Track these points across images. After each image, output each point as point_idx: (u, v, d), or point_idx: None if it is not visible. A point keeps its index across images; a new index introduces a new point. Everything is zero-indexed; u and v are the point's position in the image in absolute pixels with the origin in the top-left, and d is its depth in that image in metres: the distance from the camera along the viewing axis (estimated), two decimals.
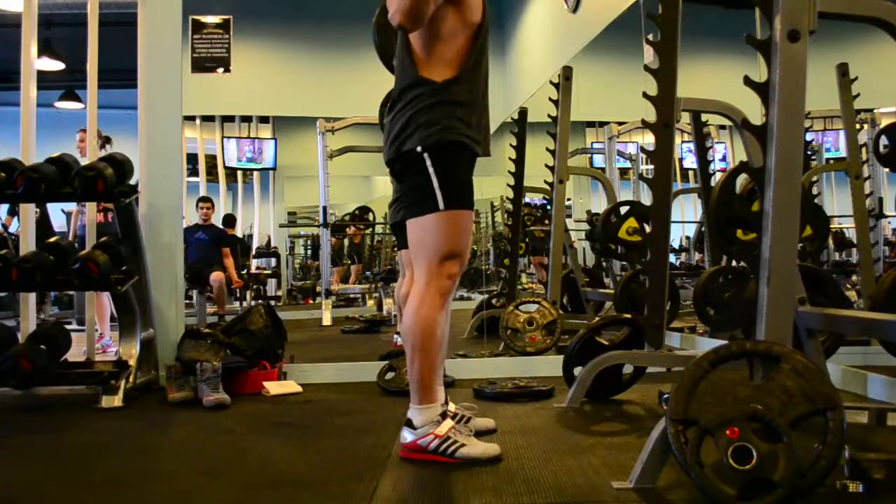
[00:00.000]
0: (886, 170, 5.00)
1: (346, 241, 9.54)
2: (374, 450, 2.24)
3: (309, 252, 11.97)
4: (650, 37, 2.81)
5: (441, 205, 2.05)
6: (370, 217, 9.12)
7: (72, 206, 6.09)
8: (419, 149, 2.06)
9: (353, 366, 3.66)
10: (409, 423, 2.11)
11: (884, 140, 2.80)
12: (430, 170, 2.05)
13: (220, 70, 5.96)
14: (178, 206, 3.76)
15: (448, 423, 2.08)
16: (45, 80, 4.97)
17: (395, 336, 4.49)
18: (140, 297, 3.34)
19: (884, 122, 5.01)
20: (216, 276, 6.03)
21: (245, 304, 7.55)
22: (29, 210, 3.78)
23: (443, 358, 2.17)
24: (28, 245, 3.67)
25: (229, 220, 8.05)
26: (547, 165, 4.50)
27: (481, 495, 1.81)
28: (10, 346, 3.18)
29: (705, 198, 4.38)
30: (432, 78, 2.08)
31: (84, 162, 3.42)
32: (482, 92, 2.18)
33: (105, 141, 4.70)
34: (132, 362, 3.22)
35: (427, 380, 2.08)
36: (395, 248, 9.85)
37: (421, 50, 2.10)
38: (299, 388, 3.28)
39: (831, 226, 4.88)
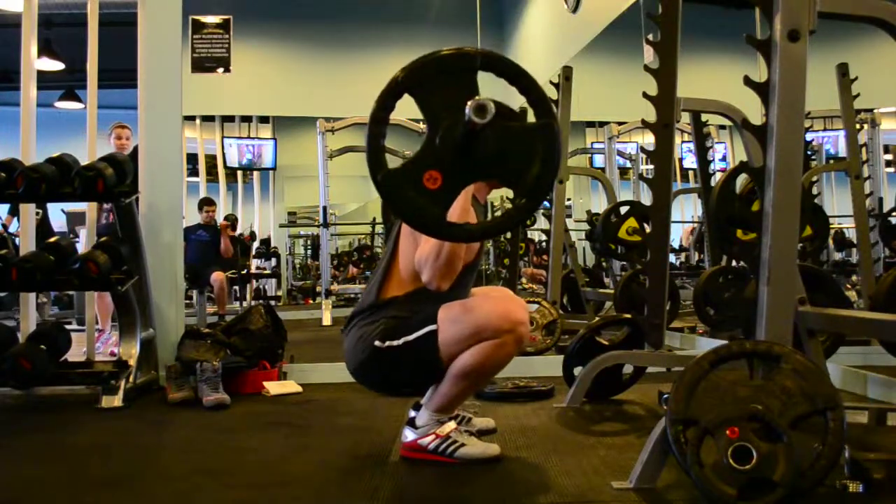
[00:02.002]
0: (888, 170, 5.01)
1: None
2: (375, 449, 2.24)
3: (309, 252, 11.98)
4: (650, 37, 2.81)
5: (432, 327, 1.96)
6: (367, 254, 9.16)
7: (72, 207, 6.09)
8: (377, 343, 2.00)
9: None
10: (412, 422, 2.11)
11: None
12: (399, 342, 1.98)
13: (220, 70, 5.97)
14: (178, 206, 3.76)
15: (451, 424, 2.08)
16: (45, 80, 4.97)
17: None
18: (140, 297, 3.34)
19: (884, 122, 5.02)
20: (216, 276, 6.03)
21: (245, 304, 7.56)
22: (29, 210, 3.78)
23: None
24: (28, 245, 3.67)
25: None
26: None
27: (481, 495, 1.81)
28: (10, 346, 3.18)
29: (705, 198, 4.38)
30: (395, 294, 2.06)
31: None
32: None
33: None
34: (132, 362, 3.22)
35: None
36: None
37: (403, 272, 2.06)
38: (299, 388, 3.28)
39: (831, 226, 4.89)
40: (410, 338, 1.98)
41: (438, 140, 1.59)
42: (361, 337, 2.05)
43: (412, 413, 2.13)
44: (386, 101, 1.58)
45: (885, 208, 4.61)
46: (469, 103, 1.53)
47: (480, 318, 1.94)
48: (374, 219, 9.25)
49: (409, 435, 2.11)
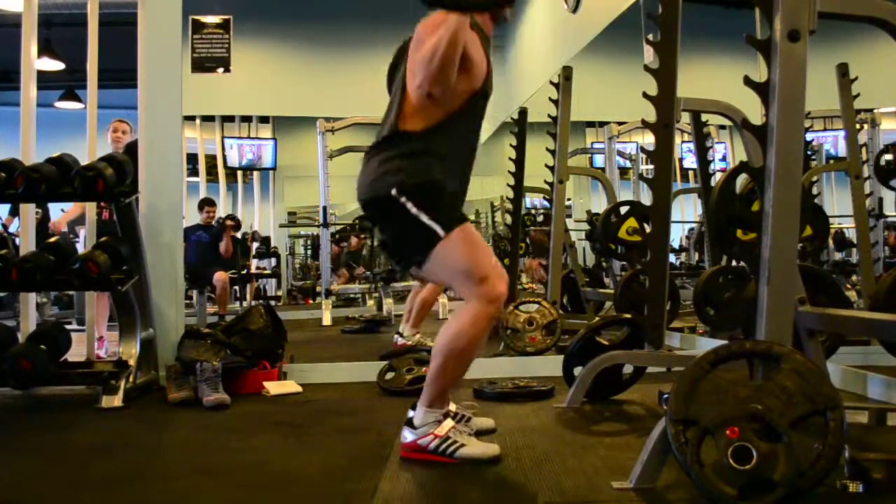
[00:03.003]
0: None
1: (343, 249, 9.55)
2: (374, 450, 2.24)
3: (309, 252, 11.98)
4: (650, 37, 2.81)
5: (441, 232, 2.01)
6: (368, 224, 9.10)
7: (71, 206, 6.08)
8: (394, 192, 2.02)
9: (353, 366, 3.66)
10: (410, 423, 2.11)
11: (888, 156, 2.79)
12: (413, 209, 2.02)
13: (220, 70, 5.98)
14: (178, 206, 3.76)
15: (448, 423, 2.08)
16: (45, 80, 4.97)
17: (396, 336, 4.50)
18: (140, 297, 3.34)
19: (884, 122, 5.01)
20: (219, 277, 6.04)
21: (245, 304, 7.56)
22: (29, 210, 3.78)
23: None
24: (28, 245, 3.67)
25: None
26: (547, 165, 4.50)
27: (481, 495, 1.81)
28: (10, 346, 3.18)
29: (705, 198, 4.38)
30: (414, 129, 2.07)
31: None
32: (466, 148, 2.16)
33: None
34: (132, 362, 3.22)
35: (447, 389, 2.12)
36: None
37: (415, 105, 2.07)
38: (299, 388, 3.28)
39: (831, 226, 4.88)
40: (421, 217, 2.01)
41: None
42: (384, 174, 2.05)
43: (410, 413, 2.13)
44: None
45: (886, 208, 4.61)
46: None
47: (479, 265, 2.01)
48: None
49: (408, 436, 2.11)
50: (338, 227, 9.05)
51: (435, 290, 4.49)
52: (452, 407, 2.22)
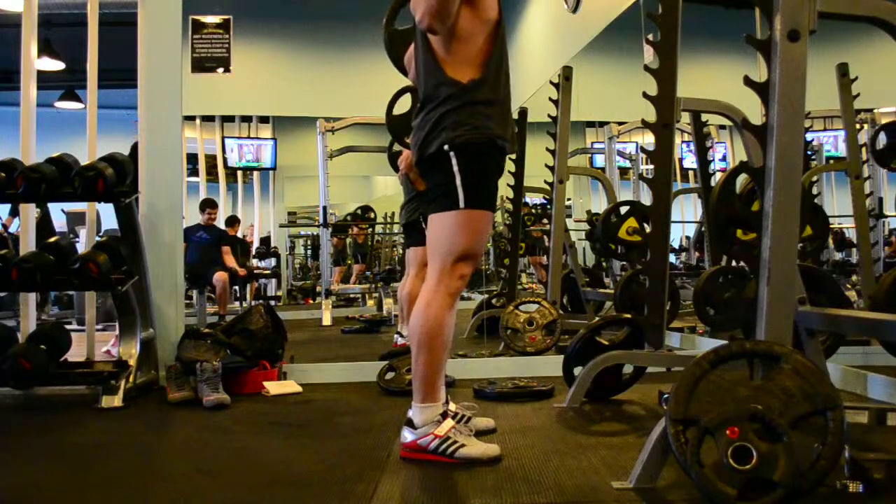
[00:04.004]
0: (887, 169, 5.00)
1: (348, 241, 9.54)
2: (375, 450, 2.24)
3: (309, 252, 11.97)
4: (650, 37, 2.81)
5: (461, 203, 2.07)
6: (372, 216, 9.13)
7: (72, 207, 6.10)
8: (446, 147, 2.08)
9: (353, 366, 3.66)
10: (410, 423, 2.11)
11: (882, 137, 2.81)
12: (455, 168, 2.07)
13: (220, 70, 5.96)
14: (178, 206, 3.76)
15: (448, 423, 2.08)
16: (45, 80, 4.97)
17: (396, 336, 4.49)
18: (140, 297, 3.34)
19: (884, 122, 5.01)
20: (219, 276, 6.04)
21: (245, 303, 7.56)
22: (29, 210, 3.78)
23: (446, 357, 2.17)
24: (28, 245, 3.67)
25: (231, 220, 8.06)
26: (547, 165, 4.50)
27: (481, 495, 1.81)
28: (10, 346, 3.18)
29: (705, 198, 4.38)
30: (458, 79, 2.09)
31: None
32: (506, 88, 2.20)
33: None
34: (132, 362, 3.22)
35: (430, 379, 2.09)
36: (399, 247, 9.87)
37: (442, 51, 2.11)
38: (299, 388, 3.28)
39: (831, 226, 4.88)
40: (456, 180, 2.07)
41: None
42: (443, 129, 2.08)
43: (410, 413, 2.13)
44: None
45: (886, 208, 4.61)
46: None
47: (469, 249, 2.10)
48: (375, 218, 9.25)
49: (408, 436, 2.11)
50: (339, 220, 9.08)
51: (415, 281, 4.38)
52: (452, 407, 2.22)
